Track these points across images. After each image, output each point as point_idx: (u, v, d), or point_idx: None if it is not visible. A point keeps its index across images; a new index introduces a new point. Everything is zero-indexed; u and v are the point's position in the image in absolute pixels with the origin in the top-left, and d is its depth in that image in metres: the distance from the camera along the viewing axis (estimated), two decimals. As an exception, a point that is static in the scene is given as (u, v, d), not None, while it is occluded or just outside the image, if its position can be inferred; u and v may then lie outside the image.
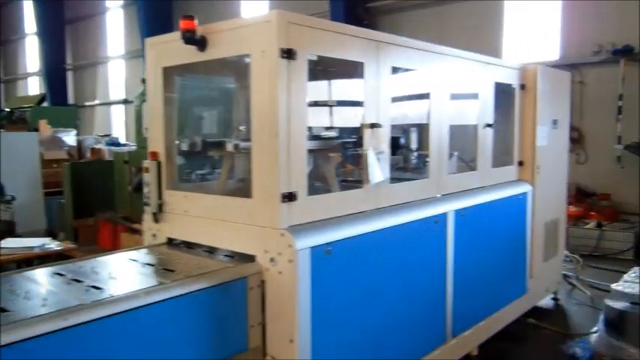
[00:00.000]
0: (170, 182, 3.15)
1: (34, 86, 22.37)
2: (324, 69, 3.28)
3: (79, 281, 2.42)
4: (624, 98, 8.13)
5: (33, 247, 4.85)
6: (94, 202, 7.30)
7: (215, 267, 2.64)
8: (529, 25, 9.34)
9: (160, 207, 3.13)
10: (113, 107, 18.73)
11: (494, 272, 4.28)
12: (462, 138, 4.27)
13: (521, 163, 4.75)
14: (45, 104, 16.26)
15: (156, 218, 3.16)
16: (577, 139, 8.72)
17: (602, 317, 4.11)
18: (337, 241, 2.73)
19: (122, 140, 13.89)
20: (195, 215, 2.96)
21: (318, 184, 3.33)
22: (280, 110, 2.48)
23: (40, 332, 1.86)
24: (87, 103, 18.88)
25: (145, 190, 3.12)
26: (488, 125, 4.20)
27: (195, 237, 2.98)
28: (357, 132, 3.14)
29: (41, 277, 2.52)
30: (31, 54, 22.27)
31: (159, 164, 3.10)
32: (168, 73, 3.05)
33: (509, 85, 4.62)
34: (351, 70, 3.09)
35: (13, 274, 2.55)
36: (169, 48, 2.98)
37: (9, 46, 23.96)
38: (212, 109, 3.32)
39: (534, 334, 4.76)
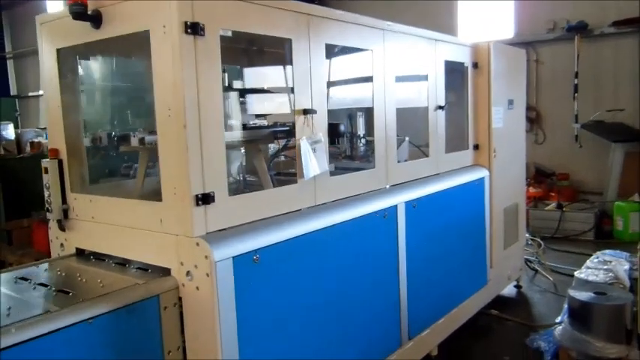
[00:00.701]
0: (77, 184, 2.72)
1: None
2: (248, 49, 2.88)
3: None
4: (580, 76, 7.98)
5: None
6: (30, 201, 6.72)
7: (123, 284, 2.23)
8: (483, 3, 9.08)
9: (66, 213, 2.70)
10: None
11: (452, 265, 3.99)
12: (414, 122, 3.95)
13: (476, 147, 4.47)
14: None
15: (61, 226, 2.73)
16: (534, 119, 8.58)
17: (565, 307, 3.87)
18: (267, 246, 2.35)
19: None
20: (104, 222, 2.54)
21: (249, 180, 2.95)
22: (188, 97, 2.07)
23: None
24: (31, 94, 17.87)
25: (46, 193, 2.68)
26: (440, 107, 3.88)
27: (105, 247, 2.56)
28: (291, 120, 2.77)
29: None
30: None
31: (60, 163, 2.66)
32: (65, 55, 2.60)
33: (462, 64, 4.32)
34: (281, 49, 2.71)
35: None
36: (62, 26, 2.53)
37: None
38: (119, 98, 2.88)
39: (497, 327, 4.51)
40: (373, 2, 9.68)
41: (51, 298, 2.16)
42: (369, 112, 3.43)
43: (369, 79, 3.21)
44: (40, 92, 17.79)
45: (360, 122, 3.84)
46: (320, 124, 2.76)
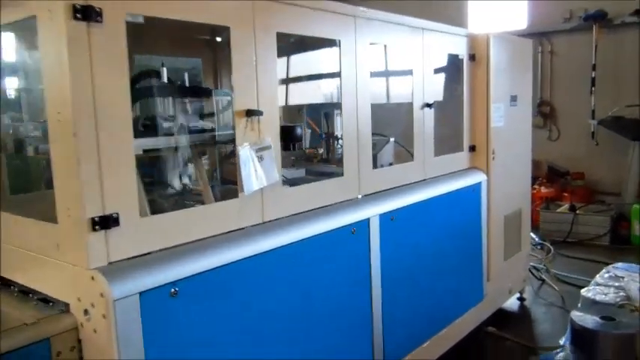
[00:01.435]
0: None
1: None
2: (188, 37, 2.47)
3: None
4: (598, 68, 7.41)
5: None
6: None
7: (17, 318, 1.86)
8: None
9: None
10: None
11: (441, 282, 3.56)
12: (404, 120, 3.53)
13: (473, 149, 4.01)
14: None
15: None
16: (548, 114, 8.05)
17: (568, 331, 3.42)
18: (191, 276, 1.96)
19: None
20: (7, 244, 2.17)
21: (196, 191, 2.56)
22: (77, 98, 1.68)
23: None
24: None
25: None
26: (428, 105, 3.44)
27: (10, 272, 2.19)
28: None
29: None
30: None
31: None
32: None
33: (457, 56, 3.86)
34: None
35: None
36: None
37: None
38: (21, 98, 2.50)
39: (493, 348, 4.07)
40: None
41: None
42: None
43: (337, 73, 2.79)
44: None
45: (338, 121, 3.43)
46: (270, 127, 2.35)
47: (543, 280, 5.30)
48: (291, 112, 4.05)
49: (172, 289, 1.89)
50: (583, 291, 3.76)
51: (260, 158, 2.30)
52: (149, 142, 2.26)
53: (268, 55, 2.32)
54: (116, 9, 1.75)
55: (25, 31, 2.03)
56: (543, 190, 7.55)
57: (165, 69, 2.49)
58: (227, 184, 2.62)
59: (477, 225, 3.95)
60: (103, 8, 1.71)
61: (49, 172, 1.85)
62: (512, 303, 4.79)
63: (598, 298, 3.57)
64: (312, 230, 2.50)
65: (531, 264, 5.27)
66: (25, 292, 2.12)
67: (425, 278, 3.37)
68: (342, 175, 2.81)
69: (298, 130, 2.52)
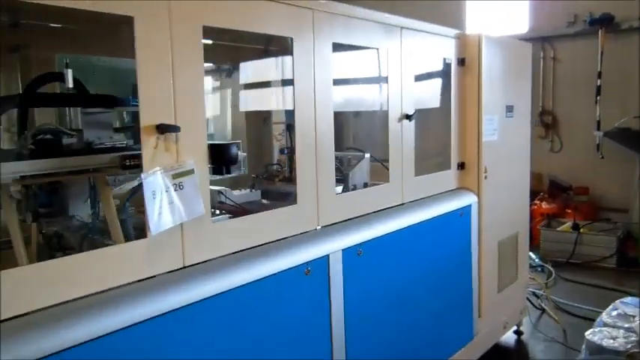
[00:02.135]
0: None
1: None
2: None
3: None
4: (603, 76, 6.90)
5: None
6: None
7: None
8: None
9: None
10: None
11: (422, 323, 3.05)
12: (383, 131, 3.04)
13: (462, 166, 3.51)
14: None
15: None
16: (550, 125, 7.55)
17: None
18: (76, 346, 1.46)
19: None
20: None
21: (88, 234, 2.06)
22: None
23: None
24: None
25: None
26: (407, 117, 2.94)
27: None
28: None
29: None
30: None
31: None
32: None
33: (444, 60, 3.37)
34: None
35: None
36: None
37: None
38: None
39: (484, 395, 3.56)
40: None
41: None
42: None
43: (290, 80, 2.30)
44: None
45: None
46: (193, 145, 1.86)
47: (543, 310, 4.78)
48: (257, 120, 3.57)
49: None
50: (587, 334, 3.24)
51: (178, 186, 1.80)
52: (36, 166, 1.77)
53: (191, 53, 1.83)
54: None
55: None
56: (544, 205, 7.04)
57: (70, 71, 1.99)
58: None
59: (466, 254, 3.44)
60: None
61: None
62: (507, 337, 4.28)
63: (605, 343, 3.06)
64: (250, 275, 1.99)
65: (530, 289, 4.76)
66: None
67: (402, 320, 2.87)
68: (295, 201, 2.31)
69: (232, 150, 2.02)
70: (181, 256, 1.85)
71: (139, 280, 1.73)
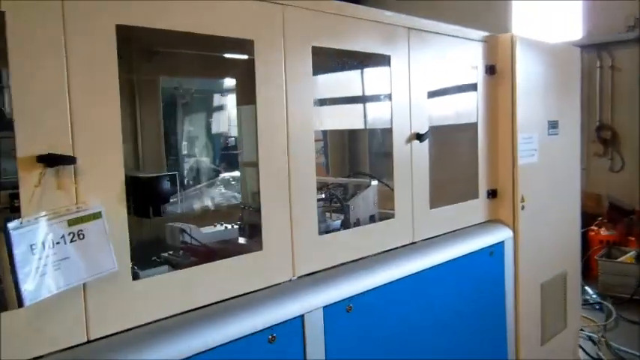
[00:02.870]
0: None
1: None
2: None
3: None
4: (670, 85, 6.13)
5: None
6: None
7: None
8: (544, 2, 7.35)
9: None
10: None
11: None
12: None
13: (493, 194, 2.93)
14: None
15: None
16: (609, 140, 6.79)
17: None
18: None
19: None
20: None
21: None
22: None
23: None
24: None
25: None
26: (418, 137, 2.41)
27: None
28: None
29: None
30: None
31: None
32: None
33: (469, 68, 2.83)
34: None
35: None
36: None
37: None
38: None
39: None
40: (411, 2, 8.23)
41: None
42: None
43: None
44: None
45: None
46: (103, 180, 1.41)
47: None
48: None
49: None
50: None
51: (77, 236, 1.35)
52: None
53: (105, 61, 1.39)
54: None
55: None
56: (603, 232, 6.26)
57: None
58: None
59: (499, 303, 2.85)
60: None
61: None
62: (556, 393, 3.62)
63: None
64: (188, 347, 1.51)
65: (585, 332, 4.07)
66: None
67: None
68: (260, 249, 1.82)
69: (162, 184, 1.56)
70: (84, 330, 1.39)
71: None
